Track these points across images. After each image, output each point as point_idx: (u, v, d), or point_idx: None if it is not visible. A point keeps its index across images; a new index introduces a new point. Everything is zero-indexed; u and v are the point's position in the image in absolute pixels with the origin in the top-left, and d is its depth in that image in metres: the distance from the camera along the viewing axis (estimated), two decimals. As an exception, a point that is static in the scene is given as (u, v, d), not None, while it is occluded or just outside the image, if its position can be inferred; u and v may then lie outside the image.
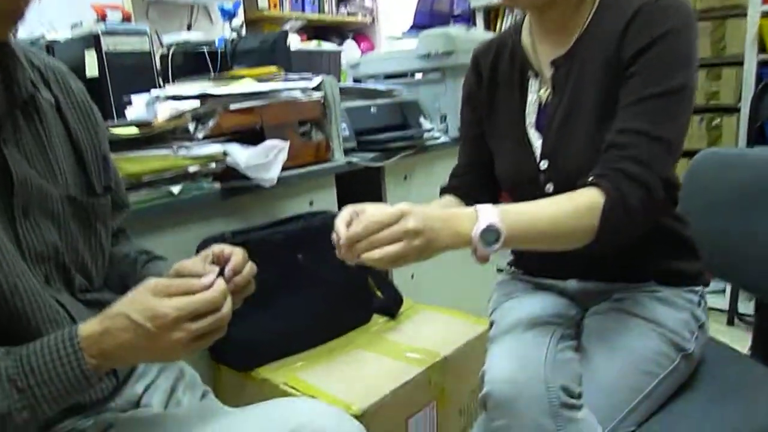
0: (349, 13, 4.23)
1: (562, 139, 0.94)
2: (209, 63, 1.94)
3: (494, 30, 3.06)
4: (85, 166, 0.84)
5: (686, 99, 0.86)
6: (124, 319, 0.66)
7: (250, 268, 0.79)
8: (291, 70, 1.66)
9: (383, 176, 1.78)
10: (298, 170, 1.49)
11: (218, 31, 2.33)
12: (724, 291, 2.43)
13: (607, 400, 0.85)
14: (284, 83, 1.50)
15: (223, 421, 0.78)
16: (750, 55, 2.32)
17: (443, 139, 1.98)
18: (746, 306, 2.38)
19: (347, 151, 1.65)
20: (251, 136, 1.37)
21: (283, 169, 1.35)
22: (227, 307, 0.70)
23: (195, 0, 2.86)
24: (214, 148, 1.30)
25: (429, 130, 1.90)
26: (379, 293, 1.54)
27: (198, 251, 0.83)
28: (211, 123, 1.31)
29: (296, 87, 1.50)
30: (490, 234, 0.76)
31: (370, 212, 0.75)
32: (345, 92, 1.72)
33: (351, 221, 0.77)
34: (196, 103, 1.32)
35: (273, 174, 1.32)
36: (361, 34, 4.36)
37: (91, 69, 1.58)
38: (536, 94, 1.00)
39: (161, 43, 1.99)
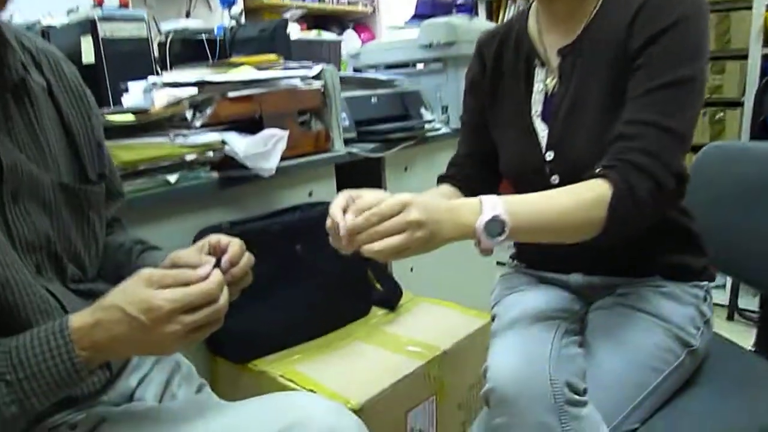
0: (349, 3, 4.19)
1: (568, 129, 0.92)
2: (208, 51, 1.92)
3: (496, 20, 3.03)
4: (78, 152, 0.82)
5: (696, 90, 0.83)
6: (117, 311, 0.64)
7: (247, 259, 0.77)
8: (291, 60, 1.64)
9: (383, 167, 1.76)
10: (297, 160, 1.47)
11: (217, 19, 2.29)
12: (724, 286, 2.41)
13: (611, 396, 0.83)
14: (284, 71, 1.47)
15: (219, 415, 0.76)
16: (754, 48, 2.30)
17: (444, 130, 1.96)
18: (746, 301, 2.37)
19: (347, 142, 1.63)
20: (250, 125, 1.35)
21: (282, 158, 1.33)
22: (224, 299, 0.68)
23: (194, -13, 2.82)
24: (211, 137, 1.27)
25: (430, 121, 1.88)
26: (378, 285, 1.52)
27: (195, 242, 0.81)
28: (209, 111, 1.29)
29: (296, 75, 1.48)
30: (495, 225, 0.74)
31: (368, 200, 0.73)
32: (345, 82, 1.69)
33: (347, 207, 0.74)
34: (193, 91, 1.29)
35: (272, 163, 1.30)
36: (361, 24, 4.33)
37: (88, 55, 1.55)
38: (542, 83, 0.97)
39: (159, 30, 1.95)
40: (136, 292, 0.65)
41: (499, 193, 0.79)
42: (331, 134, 1.57)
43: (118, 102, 1.47)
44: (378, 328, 1.40)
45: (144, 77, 1.41)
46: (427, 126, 1.86)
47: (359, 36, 4.12)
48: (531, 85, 0.98)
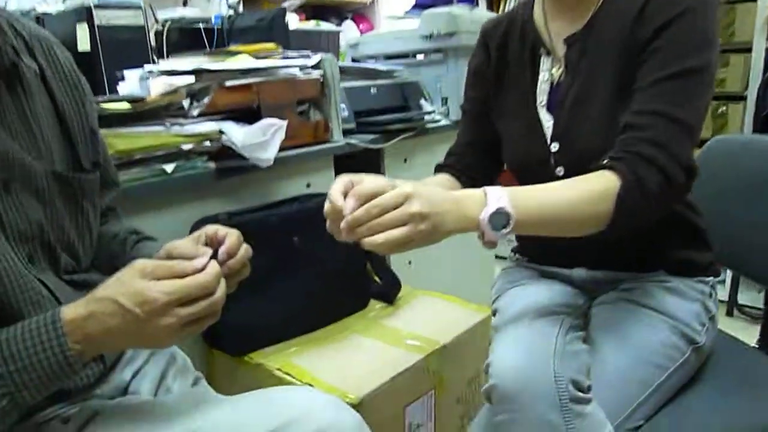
0: (348, -7, 4.14)
1: (574, 119, 0.90)
2: (205, 40, 1.89)
3: (497, 10, 3.01)
4: (71, 140, 0.80)
5: (706, 80, 0.82)
6: (111, 303, 0.62)
7: (245, 250, 0.75)
8: (289, 50, 1.62)
9: (382, 159, 1.74)
10: (296, 151, 1.45)
11: (215, 8, 2.27)
12: (723, 281, 2.41)
13: (615, 393, 0.82)
14: (282, 60, 1.45)
15: (215, 410, 0.75)
16: (759, 41, 2.27)
17: (444, 122, 1.94)
18: (746, 297, 2.36)
19: (346, 133, 1.61)
20: (248, 115, 1.33)
21: (280, 149, 1.31)
22: (221, 292, 0.67)
23: (191, -25, 2.78)
24: (208, 126, 1.25)
25: (430, 113, 1.86)
26: (377, 278, 1.50)
27: (191, 233, 0.79)
28: (206, 100, 1.27)
29: (295, 65, 1.45)
30: (500, 218, 0.72)
31: (369, 186, 0.70)
32: (344, 72, 1.67)
33: (347, 192, 0.72)
34: (190, 79, 1.27)
35: (270, 154, 1.28)
36: (360, 14, 4.29)
37: (83, 43, 1.52)
38: (548, 72, 0.95)
39: (156, 19, 1.93)
40: (131, 284, 0.63)
41: (498, 184, 0.77)
42: (330, 125, 1.55)
43: (114, 91, 1.45)
44: (376, 322, 1.38)
45: (140, 66, 1.39)
46: (426, 117, 1.85)
47: (358, 26, 4.08)
48: (536, 75, 0.96)
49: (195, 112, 1.26)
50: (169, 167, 1.19)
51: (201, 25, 1.89)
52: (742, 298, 2.37)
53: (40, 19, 1.62)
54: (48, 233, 0.74)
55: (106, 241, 0.89)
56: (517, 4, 1.01)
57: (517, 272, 1.08)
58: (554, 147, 0.93)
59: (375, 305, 1.46)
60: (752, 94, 2.28)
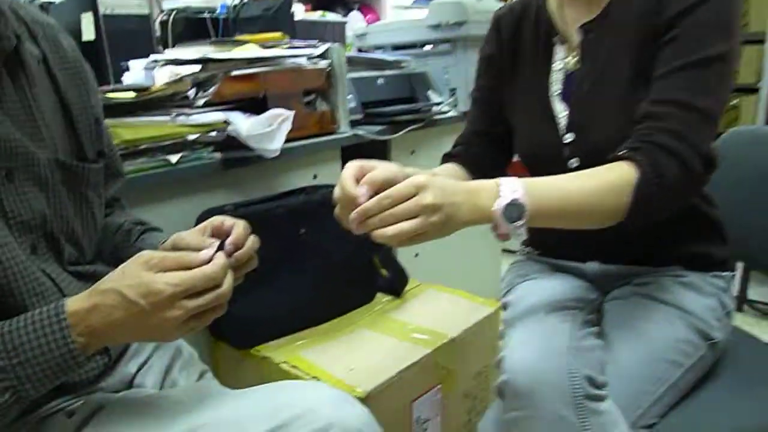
0: (355, -17, 4.11)
1: (590, 109, 0.88)
2: (210, 30, 1.87)
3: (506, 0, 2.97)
4: (75, 128, 0.78)
5: (728, 69, 0.79)
6: (115, 294, 0.61)
7: (252, 241, 0.74)
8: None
9: (389, 150, 1.72)
10: (302, 142, 1.43)
11: (220, -3, 2.25)
12: (733, 276, 2.38)
13: (629, 390, 0.80)
14: (289, 50, 1.43)
15: (221, 404, 0.73)
16: (773, 32, 2.23)
17: (452, 113, 1.91)
18: (756, 292, 2.34)
19: (353, 124, 1.59)
20: (254, 105, 1.31)
21: (287, 140, 1.29)
22: (227, 284, 0.65)
23: (196, -35, 2.76)
24: (214, 116, 1.24)
25: (437, 104, 1.84)
26: (384, 271, 1.49)
27: (197, 224, 0.78)
28: (211, 89, 1.25)
29: (302, 54, 1.43)
30: (514, 210, 0.70)
31: (381, 174, 0.68)
32: (351, 62, 1.65)
33: (359, 179, 0.70)
34: (196, 68, 1.25)
35: (276, 144, 1.26)
36: (366, 5, 4.25)
37: (88, 32, 1.51)
38: (562, 61, 0.93)
39: (161, 8, 1.91)
40: (136, 275, 0.61)
41: (507, 174, 0.75)
42: (336, 115, 1.53)
43: (118, 81, 1.44)
44: (383, 315, 1.37)
45: (145, 56, 1.37)
46: (434, 109, 1.82)
47: (364, 17, 4.05)
48: (550, 63, 0.94)
49: (200, 102, 1.24)
50: (174, 158, 1.17)
51: (206, 15, 1.87)
52: (752, 294, 2.34)
53: (45, 7, 1.60)
54: (51, 223, 0.73)
55: (110, 232, 0.88)
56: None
57: (528, 265, 1.06)
58: (569, 138, 0.91)
59: (381, 298, 1.45)
60: (765, 86, 2.24)
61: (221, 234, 0.74)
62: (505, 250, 2.27)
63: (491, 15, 1.05)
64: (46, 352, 0.60)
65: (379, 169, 0.69)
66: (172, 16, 1.83)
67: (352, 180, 0.70)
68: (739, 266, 2.18)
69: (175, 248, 0.73)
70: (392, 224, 0.66)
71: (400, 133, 1.67)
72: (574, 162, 0.90)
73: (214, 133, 1.23)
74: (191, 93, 1.24)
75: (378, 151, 1.69)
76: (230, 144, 1.26)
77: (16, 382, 0.59)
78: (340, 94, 1.52)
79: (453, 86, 1.96)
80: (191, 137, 1.19)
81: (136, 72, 1.38)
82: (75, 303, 0.62)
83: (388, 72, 1.82)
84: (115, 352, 0.81)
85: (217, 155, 1.26)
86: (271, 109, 1.28)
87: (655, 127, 0.77)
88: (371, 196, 0.67)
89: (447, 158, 1.07)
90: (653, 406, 0.81)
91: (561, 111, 0.92)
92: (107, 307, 0.61)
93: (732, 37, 0.79)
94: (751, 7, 2.28)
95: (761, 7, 2.26)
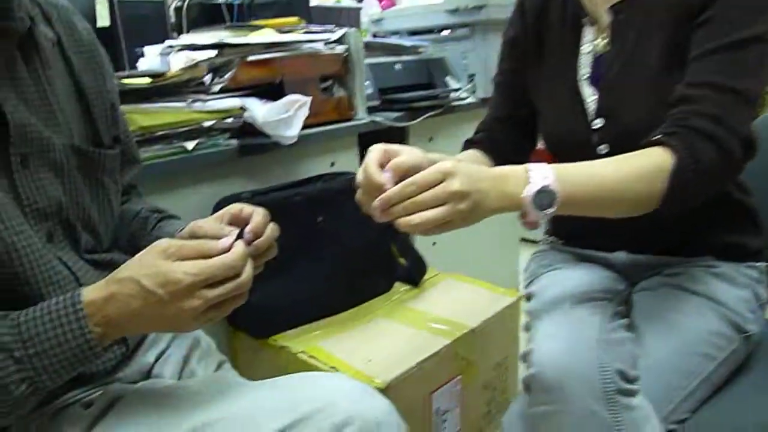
0: (369, -31, 4.06)
1: (621, 93, 0.84)
2: (225, 15, 1.85)
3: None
4: (91, 113, 0.76)
5: (764, 50, 0.75)
6: (133, 284, 0.59)
7: (271, 230, 0.72)
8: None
9: (407, 137, 1.69)
10: (320, 128, 1.40)
11: (235, -17, 2.22)
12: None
13: (661, 384, 0.77)
14: (306, 35, 1.40)
15: (240, 396, 0.71)
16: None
17: (470, 99, 1.88)
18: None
19: (370, 110, 1.56)
20: (270, 91, 1.29)
21: (304, 127, 1.28)
22: (247, 273, 0.63)
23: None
24: (230, 102, 1.22)
25: (456, 90, 1.81)
26: (402, 260, 1.47)
27: (215, 212, 0.76)
28: (228, 75, 1.23)
29: (319, 39, 1.41)
30: (544, 197, 0.67)
31: (407, 160, 0.66)
32: (368, 47, 1.62)
33: (383, 165, 0.68)
34: (212, 54, 1.23)
35: (293, 131, 1.24)
36: (381, -9, 4.21)
37: (102, 18, 1.49)
38: (591, 44, 0.89)
39: (176, -6, 1.89)
40: (154, 264, 0.60)
41: (531, 161, 0.72)
42: (354, 102, 1.50)
43: (133, 67, 1.42)
44: (401, 305, 1.35)
45: (160, 42, 1.36)
46: (452, 95, 1.79)
47: (379, 2, 4.01)
48: (578, 46, 0.91)
49: (216, 88, 1.22)
50: (190, 144, 1.16)
51: (221, 0, 1.84)
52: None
53: (59, -7, 1.59)
54: (67, 210, 0.72)
55: (127, 220, 0.87)
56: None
57: (551, 255, 1.03)
58: (598, 123, 0.87)
59: (400, 288, 1.42)
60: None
61: (239, 222, 0.72)
62: (524, 240, 2.23)
63: (512, -2, 1.02)
64: (62, 342, 0.58)
65: (405, 154, 0.67)
66: (186, 2, 1.81)
67: (376, 165, 0.67)
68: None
69: (193, 236, 0.72)
70: (417, 212, 0.64)
71: (418, 119, 1.65)
72: (603, 148, 0.87)
73: (230, 120, 1.21)
74: (207, 79, 1.22)
75: (395, 138, 1.66)
76: (247, 130, 1.24)
77: (33, 373, 0.58)
78: (358, 79, 1.50)
79: (472, 72, 1.92)
80: (207, 124, 1.18)
81: (151, 58, 1.37)
82: (92, 292, 0.60)
83: (405, 58, 1.79)
84: (132, 342, 0.80)
85: (234, 142, 1.24)
86: (288, 95, 1.26)
87: (690, 110, 0.74)
88: (396, 183, 0.65)
89: (468, 145, 1.04)
90: (685, 401, 0.78)
91: (590, 95, 0.89)
92: (125, 297, 0.59)
93: None
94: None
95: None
